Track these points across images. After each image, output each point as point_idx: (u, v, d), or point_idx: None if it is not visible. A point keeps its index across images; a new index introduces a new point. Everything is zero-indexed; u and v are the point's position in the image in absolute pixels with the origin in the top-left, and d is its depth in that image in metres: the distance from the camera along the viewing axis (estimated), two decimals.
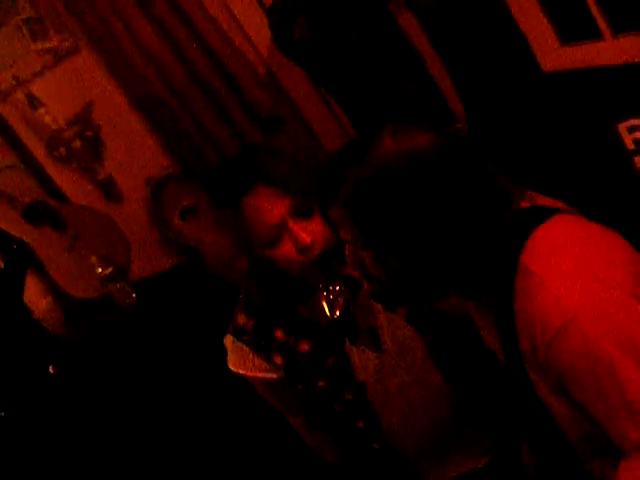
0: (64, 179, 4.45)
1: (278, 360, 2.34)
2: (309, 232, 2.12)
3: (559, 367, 1.66)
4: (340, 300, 2.05)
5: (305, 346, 2.32)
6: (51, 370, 4.17)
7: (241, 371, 2.38)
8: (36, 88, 4.34)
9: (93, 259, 4.34)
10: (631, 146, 3.09)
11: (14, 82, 4.35)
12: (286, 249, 2.14)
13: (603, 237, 1.76)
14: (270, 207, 2.12)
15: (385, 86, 3.40)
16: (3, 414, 3.79)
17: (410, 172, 1.68)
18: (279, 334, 2.33)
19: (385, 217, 1.70)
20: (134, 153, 4.33)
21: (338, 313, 2.05)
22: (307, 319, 2.31)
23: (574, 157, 3.20)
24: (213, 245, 2.23)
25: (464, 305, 1.96)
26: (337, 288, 2.06)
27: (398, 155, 1.70)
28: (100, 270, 4.32)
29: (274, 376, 2.36)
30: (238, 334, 2.36)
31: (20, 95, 4.36)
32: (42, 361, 4.21)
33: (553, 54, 3.17)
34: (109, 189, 4.43)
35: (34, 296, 4.54)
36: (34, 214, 4.35)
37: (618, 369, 1.59)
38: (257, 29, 3.82)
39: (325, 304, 2.06)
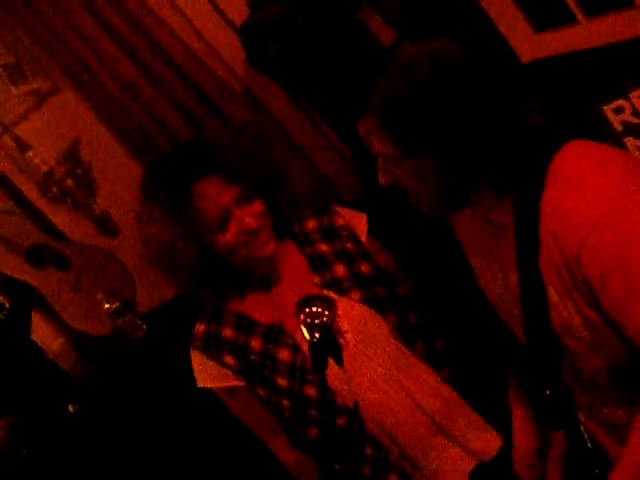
0: (60, 218, 4.43)
1: (230, 361, 2.31)
2: (253, 216, 2.20)
3: (591, 270, 1.64)
4: (319, 322, 2.01)
5: (256, 343, 2.30)
6: (71, 409, 4.16)
7: (203, 384, 2.37)
8: (22, 131, 4.32)
9: (99, 295, 4.32)
10: (619, 128, 3.04)
11: (0, 128, 4.32)
12: (231, 234, 2.19)
13: (626, 153, 1.91)
14: (216, 195, 2.18)
15: (360, 87, 3.35)
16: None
17: (437, 72, 1.70)
18: (227, 333, 2.33)
19: (418, 120, 1.71)
20: (126, 186, 4.29)
21: (318, 335, 2.00)
22: (256, 316, 2.31)
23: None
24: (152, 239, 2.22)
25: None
26: (313, 309, 2.02)
27: (422, 58, 1.73)
28: (107, 305, 4.29)
29: (235, 383, 2.33)
30: (192, 342, 2.36)
31: (7, 140, 4.34)
32: (61, 401, 4.20)
33: (529, 43, 3.11)
34: (105, 224, 4.41)
35: (46, 338, 4.53)
36: (36, 257, 4.33)
37: None
38: (231, 51, 3.77)
39: (304, 328, 2.02)
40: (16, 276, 4.26)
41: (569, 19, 2.99)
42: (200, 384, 2.37)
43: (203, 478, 3.84)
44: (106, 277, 4.38)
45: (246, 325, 2.32)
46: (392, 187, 1.84)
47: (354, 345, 2.25)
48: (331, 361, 2.08)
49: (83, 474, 3.91)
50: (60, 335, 4.54)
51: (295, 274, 2.33)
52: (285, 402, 2.31)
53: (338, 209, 2.44)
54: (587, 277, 1.66)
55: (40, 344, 4.50)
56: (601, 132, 3.08)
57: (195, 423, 4.00)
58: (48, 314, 4.45)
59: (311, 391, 2.27)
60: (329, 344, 2.05)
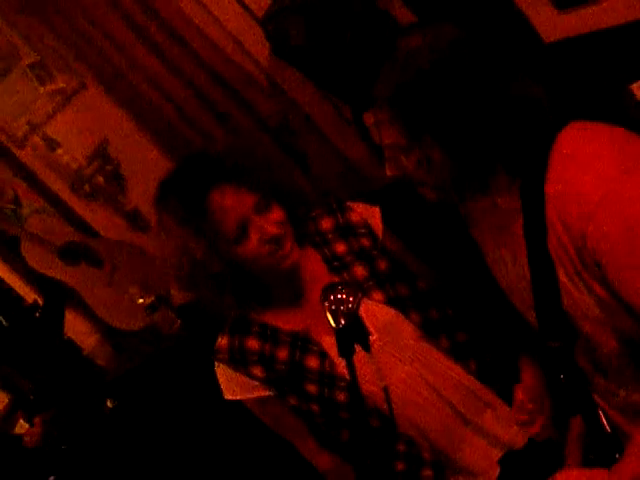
0: (92, 215, 4.50)
1: (258, 372, 2.28)
2: (274, 223, 2.14)
3: (598, 247, 1.65)
4: (343, 308, 2.00)
5: (282, 353, 2.28)
6: (109, 404, 4.22)
7: (231, 397, 2.34)
8: (51, 130, 4.39)
9: (133, 290, 4.37)
10: None
11: (29, 127, 4.40)
12: (252, 244, 2.13)
13: (629, 131, 1.78)
14: (234, 205, 2.12)
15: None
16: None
17: (443, 57, 1.70)
18: (253, 344, 2.29)
19: (426, 107, 1.71)
20: (155, 181, 4.32)
21: (343, 322, 1.99)
22: (281, 325, 2.28)
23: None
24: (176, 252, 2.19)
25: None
26: (338, 296, 2.01)
27: (427, 45, 1.72)
28: (141, 300, 4.33)
29: (265, 393, 2.31)
30: (217, 356, 2.33)
31: (37, 139, 4.41)
32: (98, 397, 4.26)
33: (552, 23, 3.08)
34: (136, 219, 4.45)
35: (82, 334, 4.60)
36: (70, 254, 4.39)
37: None
38: (254, 42, 3.78)
39: (329, 315, 2.01)
40: (51, 275, 4.33)
41: None
42: (228, 397, 2.34)
43: (239, 470, 3.85)
44: (139, 272, 4.42)
45: (271, 335, 2.29)
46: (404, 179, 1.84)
47: (379, 347, 2.24)
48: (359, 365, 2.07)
49: (120, 469, 3.96)
50: (96, 331, 4.61)
51: (315, 278, 2.30)
52: (315, 407, 2.30)
53: (351, 204, 2.40)
54: (595, 254, 1.66)
55: (76, 341, 4.56)
56: (628, 112, 3.05)
57: (231, 418, 4.02)
58: (83, 311, 4.51)
59: (341, 396, 2.26)
60: (355, 330, 2.04)
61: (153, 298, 4.34)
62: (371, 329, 2.22)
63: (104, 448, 4.01)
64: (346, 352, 1.97)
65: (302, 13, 3.44)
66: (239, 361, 2.29)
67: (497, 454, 2.32)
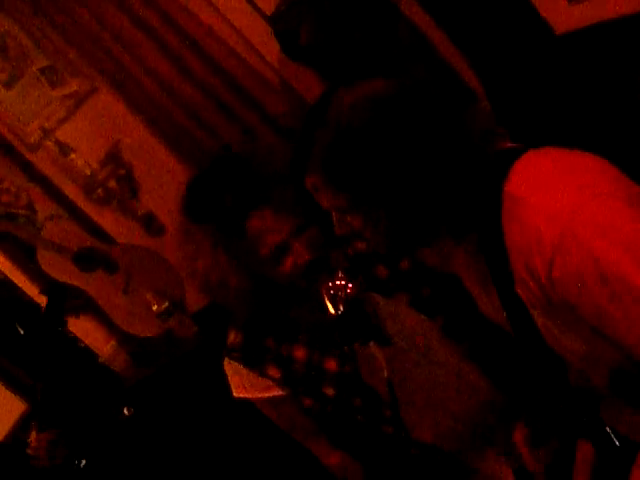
0: (106, 220, 4.53)
1: (273, 372, 2.29)
2: (309, 247, 2.13)
3: (568, 290, 1.60)
4: (342, 294, 2.00)
5: (300, 353, 2.28)
6: (126, 412, 4.25)
7: (242, 395, 2.34)
8: (63, 135, 4.43)
9: (148, 296, 4.37)
10: None
11: (41, 133, 4.44)
12: (288, 264, 2.14)
13: (587, 158, 1.72)
14: (273, 229, 2.13)
15: (395, 70, 3.35)
16: (84, 462, 3.87)
17: (372, 118, 1.66)
18: (270, 343, 2.30)
19: (362, 170, 1.68)
20: (168, 184, 4.37)
21: (342, 308, 1.99)
22: (299, 323, 2.28)
23: (602, 120, 3.10)
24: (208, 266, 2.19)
25: (457, 261, 1.93)
26: (337, 283, 2.01)
27: (355, 105, 1.68)
28: (156, 306, 4.35)
29: (278, 393, 2.31)
30: (229, 353, 2.32)
31: (49, 144, 4.45)
32: (115, 404, 4.29)
33: (563, 14, 3.07)
34: (150, 223, 4.48)
35: (98, 341, 4.64)
36: (85, 260, 4.42)
37: (627, 272, 1.53)
38: (264, 41, 3.80)
39: (327, 301, 2.01)
40: (67, 281, 4.37)
41: None
42: (238, 394, 2.36)
43: (257, 474, 3.87)
44: (154, 277, 4.45)
45: (289, 334, 2.30)
46: None
47: (402, 349, 2.25)
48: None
49: (137, 476, 3.98)
50: (111, 338, 4.64)
51: None
52: (331, 410, 2.31)
53: None
54: (567, 297, 1.62)
55: (92, 348, 4.60)
56: None
57: (249, 422, 4.04)
58: (99, 318, 4.55)
59: (358, 401, 2.28)
60: (357, 318, 2.04)
61: (168, 304, 4.36)
62: (394, 331, 2.23)
63: (121, 456, 4.03)
64: (347, 340, 1.97)
65: (311, 11, 3.46)
66: (254, 360, 2.30)
67: (513, 464, 2.31)
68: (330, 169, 1.71)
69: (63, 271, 4.37)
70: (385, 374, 2.07)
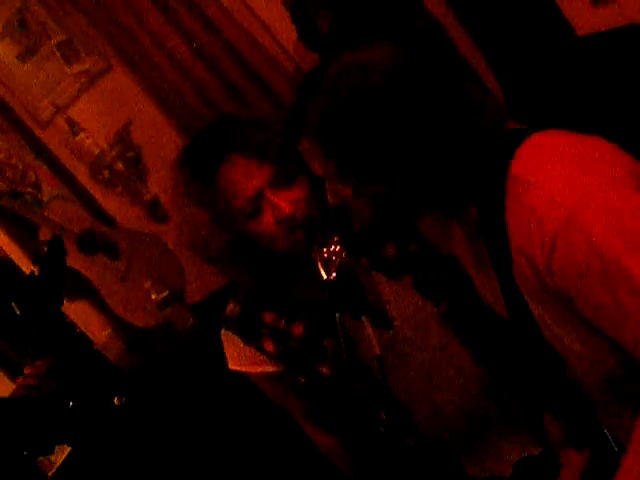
0: (110, 203, 4.55)
1: (270, 347, 2.26)
2: (289, 201, 2.07)
3: (566, 279, 1.57)
4: (336, 260, 1.97)
5: (299, 329, 2.25)
6: (116, 402, 4.24)
7: (236, 367, 2.32)
8: (75, 113, 4.47)
9: (148, 284, 4.40)
10: None
11: (54, 109, 4.47)
12: (266, 221, 2.09)
13: (597, 142, 1.68)
14: (246, 178, 2.08)
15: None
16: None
17: (372, 85, 1.63)
18: (268, 317, 2.26)
19: (356, 137, 1.66)
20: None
21: (334, 274, 1.96)
22: (299, 299, 2.24)
23: (619, 122, 3.07)
24: (187, 222, 2.17)
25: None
26: (332, 248, 1.99)
27: (355, 69, 1.66)
28: (155, 295, 4.36)
29: (273, 369, 2.29)
30: (226, 323, 2.31)
31: (60, 121, 4.48)
32: (106, 393, 4.28)
33: (586, 16, 3.06)
34: (155, 209, 4.48)
35: (94, 328, 4.65)
36: (88, 243, 4.43)
37: (628, 265, 1.49)
38: (283, 28, 3.81)
39: (320, 265, 1.98)
40: (68, 264, 4.38)
41: None
42: (233, 367, 2.32)
43: (247, 467, 3.85)
44: (155, 265, 4.45)
45: (287, 309, 2.26)
46: None
47: (402, 332, 2.22)
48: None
49: (129, 467, 3.98)
50: (107, 326, 4.65)
51: None
52: (326, 390, 2.28)
53: None
54: (565, 289, 1.58)
55: (88, 334, 4.61)
56: None
57: (240, 416, 4.03)
58: (96, 304, 4.56)
59: (358, 383, 2.23)
60: (350, 286, 2.01)
61: (167, 293, 4.37)
62: (396, 314, 2.21)
63: (109, 446, 4.03)
64: (337, 307, 1.95)
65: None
66: (251, 333, 2.27)
67: (511, 456, 2.29)
68: (324, 132, 1.68)
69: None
70: (377, 351, 2.05)
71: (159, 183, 4.47)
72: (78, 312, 4.63)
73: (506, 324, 1.82)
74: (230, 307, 2.31)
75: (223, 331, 2.33)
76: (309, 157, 1.76)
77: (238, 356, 2.32)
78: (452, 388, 2.25)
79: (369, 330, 2.04)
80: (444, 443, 2.29)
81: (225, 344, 2.34)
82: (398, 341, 2.21)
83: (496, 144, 1.67)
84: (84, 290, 4.50)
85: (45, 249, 2.96)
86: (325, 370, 2.25)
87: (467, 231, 1.84)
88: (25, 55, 4.44)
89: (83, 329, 4.61)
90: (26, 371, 3.09)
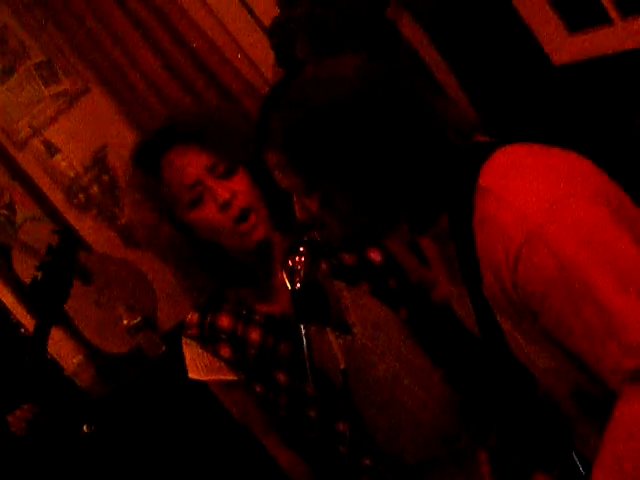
0: (85, 227, 4.56)
1: (226, 353, 2.26)
2: (228, 190, 2.14)
3: (531, 294, 1.56)
4: (301, 270, 1.98)
5: (255, 334, 2.25)
6: (85, 429, 4.22)
7: (195, 376, 2.32)
8: (52, 134, 4.49)
9: (120, 310, 4.39)
10: None
11: (30, 130, 4.49)
12: (208, 210, 2.15)
13: (568, 155, 1.69)
14: (186, 165, 2.15)
15: None
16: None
17: (336, 98, 1.63)
18: (225, 322, 2.27)
19: (320, 150, 1.66)
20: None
21: (299, 285, 1.97)
22: (256, 305, 2.27)
23: (596, 154, 3.08)
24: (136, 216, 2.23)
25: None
26: (296, 259, 1.99)
27: (318, 82, 1.66)
28: (127, 321, 4.35)
29: (229, 377, 2.29)
30: (185, 331, 2.32)
31: (37, 143, 4.50)
32: (75, 420, 4.27)
33: (562, 45, 3.09)
34: (129, 235, 4.48)
35: (66, 353, 4.63)
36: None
37: (593, 281, 1.49)
38: (261, 53, 3.84)
39: (285, 275, 1.99)
40: None
41: (604, 19, 2.96)
42: (192, 375, 2.33)
43: None
44: (128, 291, 4.45)
45: (245, 314, 2.28)
46: None
47: (360, 339, 2.23)
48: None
49: None
50: (79, 352, 4.63)
51: None
52: (283, 400, 2.28)
53: None
54: (529, 303, 1.58)
55: (59, 360, 4.59)
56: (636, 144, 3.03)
57: (210, 443, 4.02)
58: (68, 329, 4.54)
59: (311, 389, 2.22)
60: (313, 297, 1.98)
61: (139, 319, 4.36)
62: (355, 320, 2.22)
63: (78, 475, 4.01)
64: (302, 317, 1.95)
65: (308, 25, 3.49)
66: (208, 338, 2.28)
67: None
68: (288, 145, 1.69)
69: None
70: (341, 365, 2.05)
71: None
72: (50, 337, 4.61)
73: (473, 338, 1.83)
74: (190, 315, 2.33)
75: (183, 339, 2.34)
76: (275, 170, 1.76)
77: (196, 364, 2.33)
78: (413, 399, 2.24)
79: (334, 344, 2.04)
80: (403, 461, 2.28)
81: (185, 352, 2.35)
82: (358, 348, 2.22)
83: (463, 157, 1.68)
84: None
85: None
86: (282, 378, 2.25)
87: (439, 243, 1.84)
88: (3, 75, 4.47)
89: (54, 355, 4.58)
90: (17, 413, 3.14)
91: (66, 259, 3.12)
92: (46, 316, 2.97)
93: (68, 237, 3.13)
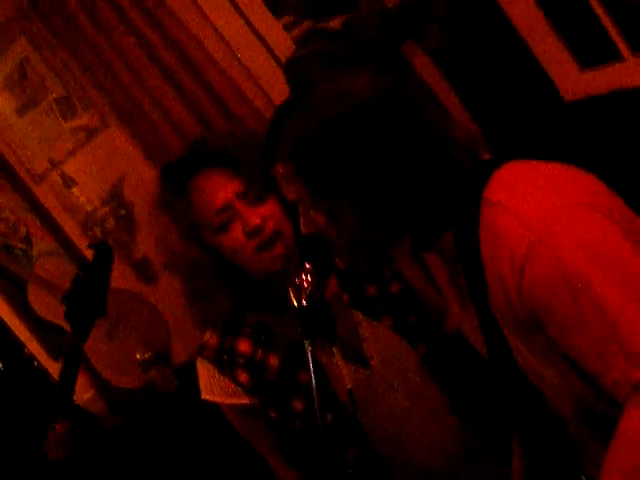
0: None
1: (243, 379, 2.28)
2: (258, 215, 2.15)
3: (536, 304, 1.59)
4: (308, 287, 2.00)
5: (274, 361, 2.27)
6: None
7: (209, 397, 2.34)
8: (70, 168, 4.57)
9: (133, 344, 4.41)
10: None
11: (49, 164, 4.56)
12: (235, 235, 2.16)
13: (573, 170, 1.73)
14: (216, 189, 2.17)
15: None
16: None
17: (349, 114, 1.67)
18: (244, 347, 2.29)
19: (329, 163, 1.69)
20: (168, 230, 4.41)
21: (305, 303, 1.99)
22: (277, 331, 2.28)
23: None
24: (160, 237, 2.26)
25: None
26: (303, 277, 2.01)
27: (332, 96, 1.70)
28: (140, 355, 4.37)
29: (245, 402, 2.30)
30: (201, 352, 2.34)
31: (55, 177, 4.58)
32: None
33: (573, 81, 3.12)
34: (144, 269, 4.52)
35: (78, 388, 4.64)
36: (75, 301, 4.46)
37: (598, 291, 1.52)
38: (278, 88, 3.88)
39: (291, 293, 2.01)
40: (55, 321, 4.42)
41: (614, 56, 2.99)
42: (206, 396, 2.35)
43: None
44: (141, 326, 4.49)
45: (265, 339, 2.29)
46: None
47: (378, 372, 2.24)
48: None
49: None
50: (91, 386, 4.66)
51: None
52: (298, 425, 2.29)
53: None
54: (535, 313, 1.61)
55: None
56: None
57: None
58: (82, 363, 4.56)
59: (329, 416, 2.23)
60: (319, 314, 1.99)
61: (151, 354, 4.38)
62: (373, 353, 2.24)
63: None
64: (307, 334, 1.97)
65: (325, 60, 3.53)
66: (225, 362, 2.30)
67: None
68: (298, 157, 1.72)
69: (51, 309, 4.43)
70: (348, 385, 2.06)
71: (150, 243, 4.49)
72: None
73: (485, 368, 1.84)
74: (207, 335, 2.35)
75: (198, 359, 2.36)
76: (283, 182, 1.80)
77: (211, 385, 2.35)
78: (427, 436, 2.25)
79: (340, 362, 2.07)
80: None
81: (199, 372, 2.38)
82: (374, 381, 2.24)
83: (469, 173, 1.72)
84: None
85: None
86: (298, 405, 2.27)
87: (447, 263, 1.87)
88: (23, 109, 4.57)
89: None
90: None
91: (102, 273, 3.15)
92: (80, 330, 2.98)
93: (104, 251, 3.16)
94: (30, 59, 4.46)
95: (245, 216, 2.15)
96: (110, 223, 4.54)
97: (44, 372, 4.66)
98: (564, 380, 1.70)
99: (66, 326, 4.35)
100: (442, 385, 2.26)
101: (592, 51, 3.06)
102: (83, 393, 4.67)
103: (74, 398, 4.55)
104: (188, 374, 4.38)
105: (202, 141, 2.35)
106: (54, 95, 4.47)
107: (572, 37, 3.09)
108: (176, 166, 2.28)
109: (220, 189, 2.17)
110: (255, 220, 2.15)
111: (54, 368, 4.68)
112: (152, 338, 4.43)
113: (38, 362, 4.69)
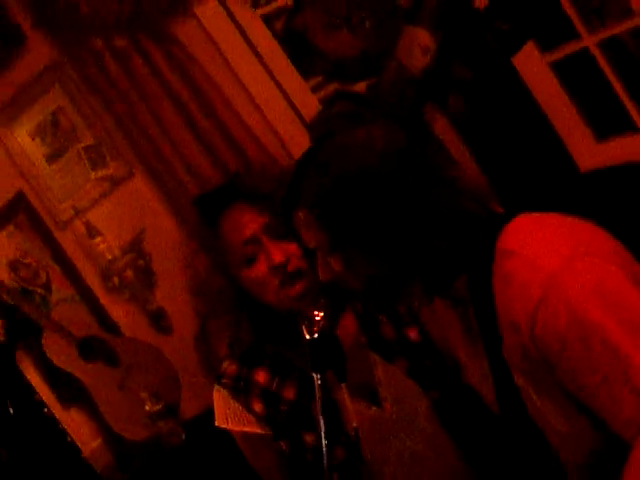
0: (116, 310, 4.68)
1: (258, 408, 2.33)
2: (283, 251, 2.22)
3: (548, 347, 1.63)
4: (320, 321, 2.06)
5: (290, 393, 2.32)
6: None
7: (222, 424, 2.37)
8: (94, 217, 4.65)
9: (143, 395, 4.46)
10: None
11: (73, 212, 4.65)
12: (260, 268, 2.23)
13: (585, 222, 1.78)
14: (245, 222, 2.25)
15: None
16: None
17: (364, 166, 1.75)
18: (261, 377, 2.35)
19: (346, 215, 1.77)
20: (184, 283, 4.47)
21: (316, 335, 2.05)
22: (295, 364, 2.32)
23: None
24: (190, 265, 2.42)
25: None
26: (315, 312, 2.07)
27: (348, 149, 1.78)
28: (149, 406, 4.42)
29: (258, 431, 2.34)
30: (219, 380, 2.38)
31: (79, 224, 4.66)
32: None
33: (590, 153, 3.19)
34: (159, 320, 4.59)
35: (85, 436, 4.70)
36: (88, 349, 4.55)
37: (609, 334, 1.57)
38: (299, 145, 3.96)
39: (303, 326, 2.07)
40: (67, 369, 4.49)
41: (630, 127, 3.07)
42: (220, 423, 2.38)
43: None
44: (153, 377, 4.54)
45: (283, 369, 2.35)
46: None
47: (390, 414, 2.28)
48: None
49: None
50: (99, 435, 4.70)
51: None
52: (309, 458, 2.32)
53: None
54: (546, 357, 1.65)
55: (77, 442, 4.66)
56: None
57: None
58: (90, 411, 4.63)
59: (340, 452, 2.29)
60: (329, 348, 2.07)
61: (161, 406, 4.43)
62: (387, 395, 2.28)
63: None
64: (316, 366, 2.03)
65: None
66: (242, 390, 2.35)
67: None
68: (318, 207, 1.80)
69: (66, 358, 4.50)
70: (354, 423, 2.16)
71: (167, 294, 4.57)
72: (70, 419, 4.70)
73: (495, 420, 1.88)
74: (226, 364, 2.40)
75: (215, 387, 2.40)
76: (303, 229, 1.87)
77: (226, 413, 2.38)
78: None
79: (347, 400, 2.16)
80: None
81: (216, 400, 2.41)
82: (386, 422, 2.27)
83: (483, 224, 1.78)
84: (79, 396, 4.59)
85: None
86: (310, 439, 2.30)
87: (459, 312, 1.93)
88: (53, 156, 4.68)
89: (73, 437, 4.65)
90: None
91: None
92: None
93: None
94: (63, 108, 4.58)
95: (270, 251, 2.22)
96: (128, 273, 4.61)
97: (53, 419, 4.70)
98: (572, 427, 1.74)
99: (77, 374, 4.47)
100: (452, 433, 2.30)
101: (608, 122, 3.14)
102: (91, 441, 4.71)
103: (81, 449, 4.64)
104: (196, 428, 4.45)
105: (238, 175, 2.50)
106: (84, 144, 4.59)
107: (589, 109, 3.18)
108: (211, 197, 2.38)
109: (250, 222, 2.25)
110: (279, 256, 2.22)
111: (63, 416, 4.73)
112: (163, 390, 4.48)
113: (48, 409, 4.73)
